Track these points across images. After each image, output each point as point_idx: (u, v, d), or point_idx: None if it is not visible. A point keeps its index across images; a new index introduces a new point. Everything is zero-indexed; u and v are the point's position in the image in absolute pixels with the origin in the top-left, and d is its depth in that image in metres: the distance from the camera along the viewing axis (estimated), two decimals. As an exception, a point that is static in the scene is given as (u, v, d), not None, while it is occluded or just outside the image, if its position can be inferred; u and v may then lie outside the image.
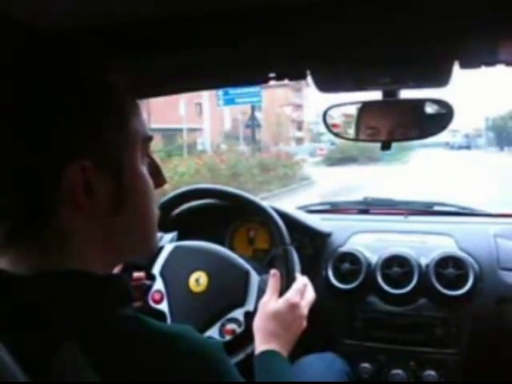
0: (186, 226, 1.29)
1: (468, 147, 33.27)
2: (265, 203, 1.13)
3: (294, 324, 0.91)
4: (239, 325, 1.04)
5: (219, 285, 1.07)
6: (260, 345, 0.88)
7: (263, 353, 0.86)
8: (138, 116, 0.53)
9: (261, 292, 1.02)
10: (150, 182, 0.55)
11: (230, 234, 1.40)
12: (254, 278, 1.07)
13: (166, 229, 1.27)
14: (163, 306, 1.08)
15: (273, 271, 0.98)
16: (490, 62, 0.79)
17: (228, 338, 1.03)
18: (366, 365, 1.28)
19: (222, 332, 1.04)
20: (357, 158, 18.35)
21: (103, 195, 0.48)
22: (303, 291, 0.96)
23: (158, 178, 0.58)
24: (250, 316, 1.02)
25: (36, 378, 0.38)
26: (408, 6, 0.62)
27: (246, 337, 0.97)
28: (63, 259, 0.47)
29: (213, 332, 1.04)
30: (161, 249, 1.13)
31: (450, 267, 1.24)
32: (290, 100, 37.33)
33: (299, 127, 40.37)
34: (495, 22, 0.66)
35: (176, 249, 1.13)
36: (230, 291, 1.07)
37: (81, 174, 0.46)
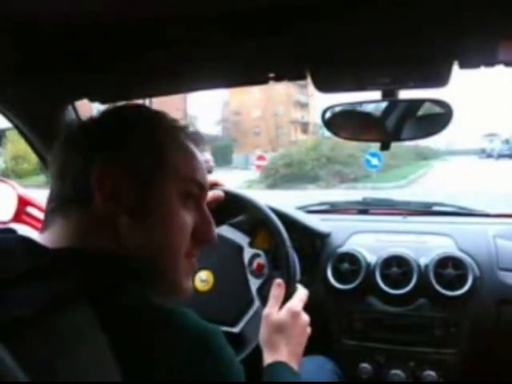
0: None
1: (511, 156, 26.42)
2: (263, 203, 1.12)
3: (299, 333, 0.90)
4: (259, 255, 1.11)
5: (222, 271, 1.08)
6: (267, 357, 0.86)
7: (270, 365, 0.85)
8: (183, 156, 0.60)
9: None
10: (186, 223, 0.59)
11: None
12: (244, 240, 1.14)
13: None
14: None
15: (277, 281, 0.95)
16: (490, 62, 0.80)
17: (265, 274, 1.08)
18: (366, 365, 1.28)
19: (255, 274, 1.09)
20: (317, 174, 11.94)
21: (126, 197, 0.55)
22: (304, 299, 0.95)
23: (205, 234, 0.62)
24: (260, 255, 1.11)
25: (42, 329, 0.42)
26: (408, 5, 0.62)
27: (275, 259, 1.07)
28: (94, 239, 0.54)
29: (254, 283, 1.08)
30: None
31: (450, 267, 1.24)
32: (293, 98, 32.49)
33: (304, 130, 34.62)
34: (495, 21, 0.66)
35: None
36: (232, 264, 1.11)
37: (109, 176, 0.55)
